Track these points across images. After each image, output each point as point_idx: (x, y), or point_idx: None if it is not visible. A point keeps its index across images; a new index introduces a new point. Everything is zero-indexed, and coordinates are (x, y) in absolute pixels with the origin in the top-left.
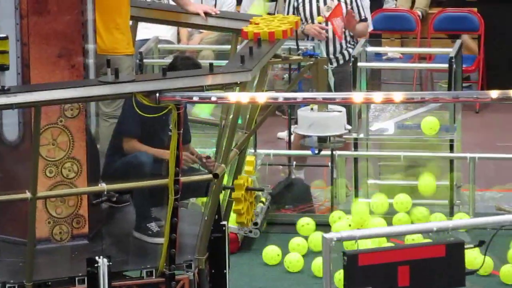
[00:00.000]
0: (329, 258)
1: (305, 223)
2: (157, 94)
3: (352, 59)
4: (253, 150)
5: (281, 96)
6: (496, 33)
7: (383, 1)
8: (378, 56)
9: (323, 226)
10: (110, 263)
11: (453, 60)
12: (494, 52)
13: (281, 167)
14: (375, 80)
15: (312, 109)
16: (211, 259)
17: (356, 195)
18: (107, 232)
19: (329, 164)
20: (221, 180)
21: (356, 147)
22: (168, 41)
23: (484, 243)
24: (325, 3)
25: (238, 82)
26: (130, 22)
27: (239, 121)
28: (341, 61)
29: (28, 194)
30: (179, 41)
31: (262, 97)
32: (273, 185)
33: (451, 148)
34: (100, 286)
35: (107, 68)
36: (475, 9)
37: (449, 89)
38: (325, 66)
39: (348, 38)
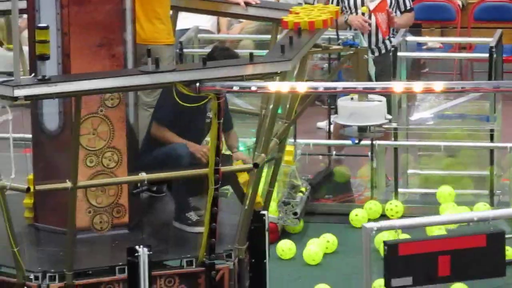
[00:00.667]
0: (369, 248)
1: (356, 214)
2: (197, 84)
3: (392, 49)
4: (293, 140)
5: (321, 85)
6: None
7: None
8: (418, 46)
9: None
10: (150, 253)
11: (493, 50)
12: None
13: (320, 157)
14: (415, 70)
15: (352, 98)
16: (251, 249)
17: (396, 186)
18: (147, 222)
19: (369, 154)
20: (261, 170)
21: (396, 137)
22: (208, 31)
23: None
24: None
25: (278, 72)
26: (170, 12)
27: (279, 111)
28: (383, 51)
29: (68, 184)
30: (219, 31)
31: (302, 87)
32: (313, 175)
33: (492, 138)
34: (141, 275)
35: (148, 57)
36: None
37: (489, 79)
38: (365, 56)
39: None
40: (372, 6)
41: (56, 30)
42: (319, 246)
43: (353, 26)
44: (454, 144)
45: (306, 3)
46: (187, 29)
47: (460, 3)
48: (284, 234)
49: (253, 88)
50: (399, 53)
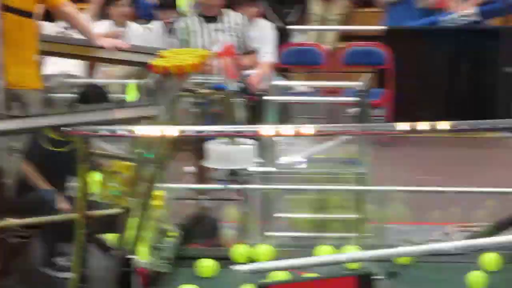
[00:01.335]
0: None
1: (206, 264)
2: (65, 128)
3: (261, 93)
4: (162, 185)
5: (191, 129)
6: (404, 67)
7: (291, 35)
8: (287, 91)
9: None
10: None
11: (361, 93)
12: (402, 86)
13: (190, 201)
14: (284, 115)
15: (222, 142)
16: None
17: (265, 229)
18: (16, 267)
19: (238, 198)
20: (131, 213)
21: (265, 181)
22: (76, 76)
23: (395, 275)
24: (209, 36)
25: (148, 116)
26: (38, 57)
27: (149, 155)
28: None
29: None
30: (88, 75)
31: (171, 131)
32: (182, 220)
33: (360, 182)
34: None
35: (15, 102)
36: (383, 44)
37: (358, 122)
38: (235, 99)
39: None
40: (218, 49)
41: None
42: None
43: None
44: (323, 187)
45: None
46: (55, 75)
47: (328, 47)
48: (155, 278)
49: (122, 133)
50: (267, 97)
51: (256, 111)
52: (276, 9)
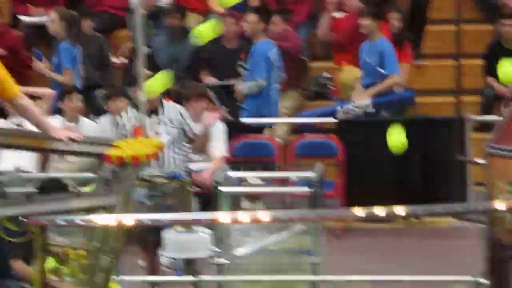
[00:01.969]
0: None
1: None
2: (23, 218)
3: (215, 184)
4: (117, 277)
5: (147, 218)
6: (355, 158)
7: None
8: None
9: None
10: None
11: (314, 184)
12: (353, 177)
13: None
14: (238, 206)
15: (177, 231)
16: None
17: None
18: None
19: None
20: None
21: (220, 272)
22: (29, 171)
23: None
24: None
25: (104, 206)
26: None
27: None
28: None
29: None
30: (39, 170)
31: (129, 220)
32: None
33: (315, 272)
34: None
35: None
36: (334, 136)
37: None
38: (189, 188)
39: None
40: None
41: None
42: None
43: None
44: (278, 278)
45: None
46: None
47: (280, 140)
48: None
49: (79, 222)
50: (221, 188)
51: (210, 204)
52: (228, 103)
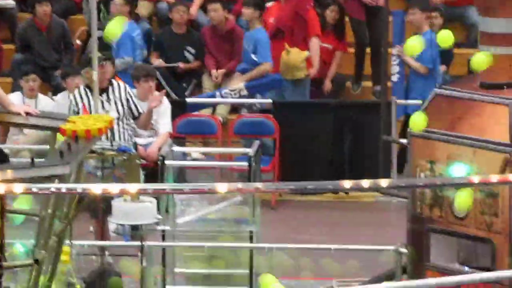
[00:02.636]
0: None
1: None
2: None
3: (161, 158)
4: (68, 241)
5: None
6: (289, 136)
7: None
8: (183, 157)
9: None
10: None
11: (252, 159)
12: (287, 153)
13: (94, 257)
14: (181, 179)
15: (125, 200)
16: None
17: (164, 284)
18: None
19: (139, 254)
20: (41, 265)
21: (164, 239)
22: None
23: None
24: (103, 107)
25: (58, 174)
26: None
27: (58, 212)
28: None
29: None
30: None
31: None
32: (87, 274)
33: (251, 239)
34: None
35: None
36: (271, 115)
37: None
38: (137, 161)
39: None
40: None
41: None
42: None
43: None
44: (217, 245)
45: None
46: None
47: (220, 118)
48: None
49: (35, 190)
50: (166, 162)
51: (155, 175)
52: (172, 84)
